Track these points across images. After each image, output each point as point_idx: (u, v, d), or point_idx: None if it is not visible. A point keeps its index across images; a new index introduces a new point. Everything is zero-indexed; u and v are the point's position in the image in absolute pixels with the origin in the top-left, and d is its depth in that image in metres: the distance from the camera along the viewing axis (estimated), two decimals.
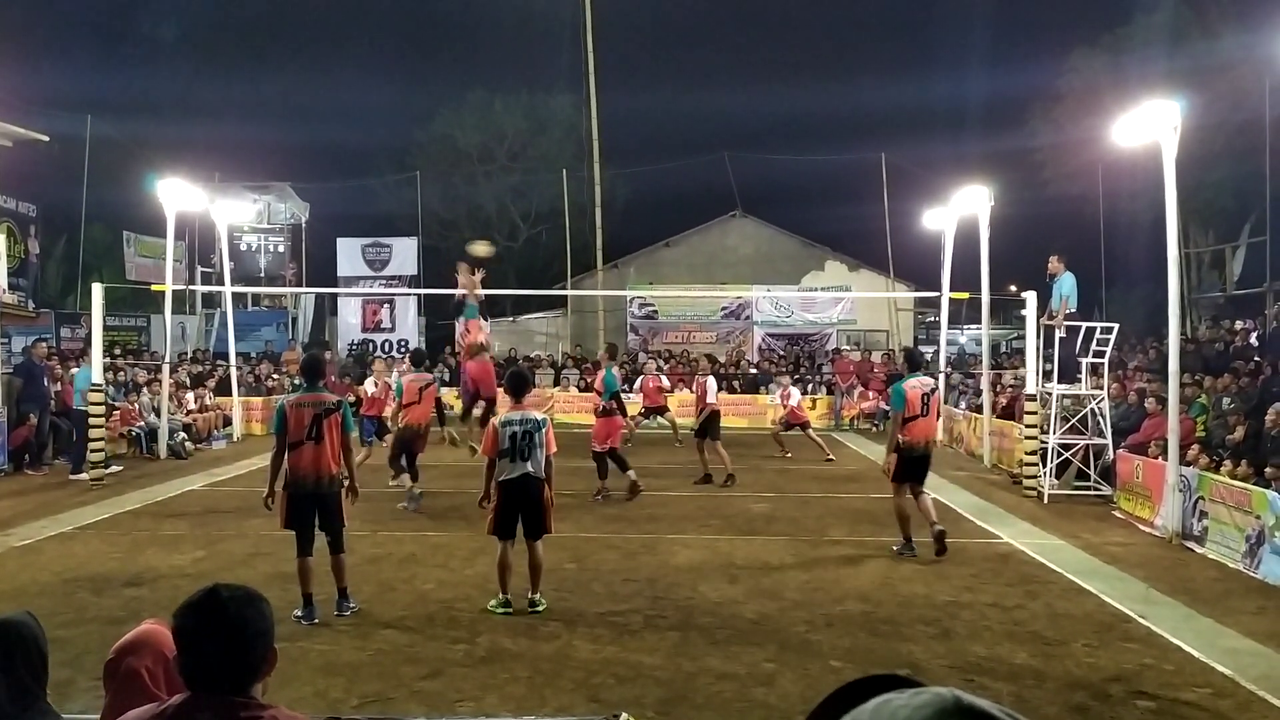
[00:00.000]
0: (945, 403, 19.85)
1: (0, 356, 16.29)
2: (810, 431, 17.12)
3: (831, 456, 16.33)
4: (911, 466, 9.43)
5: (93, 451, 13.57)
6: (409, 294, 27.32)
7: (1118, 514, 11.66)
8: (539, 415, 7.37)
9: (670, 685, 5.83)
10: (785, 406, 17.06)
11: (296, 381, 23.14)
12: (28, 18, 29.88)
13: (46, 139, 17.47)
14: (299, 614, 6.94)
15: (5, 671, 2.44)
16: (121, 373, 18.06)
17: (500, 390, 10.11)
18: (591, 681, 5.87)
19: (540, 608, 7.23)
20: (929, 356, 26.32)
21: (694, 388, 15.30)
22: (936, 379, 20.36)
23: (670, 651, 6.43)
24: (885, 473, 9.59)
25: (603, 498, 12.00)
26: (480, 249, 14.66)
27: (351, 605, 7.23)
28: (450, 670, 6.04)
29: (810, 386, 24.00)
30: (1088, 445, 13.00)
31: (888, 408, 21.27)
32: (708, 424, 13.88)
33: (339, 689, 5.72)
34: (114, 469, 14.22)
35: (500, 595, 7.23)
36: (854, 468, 15.80)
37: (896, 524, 9.50)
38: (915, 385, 9.44)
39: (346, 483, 7.29)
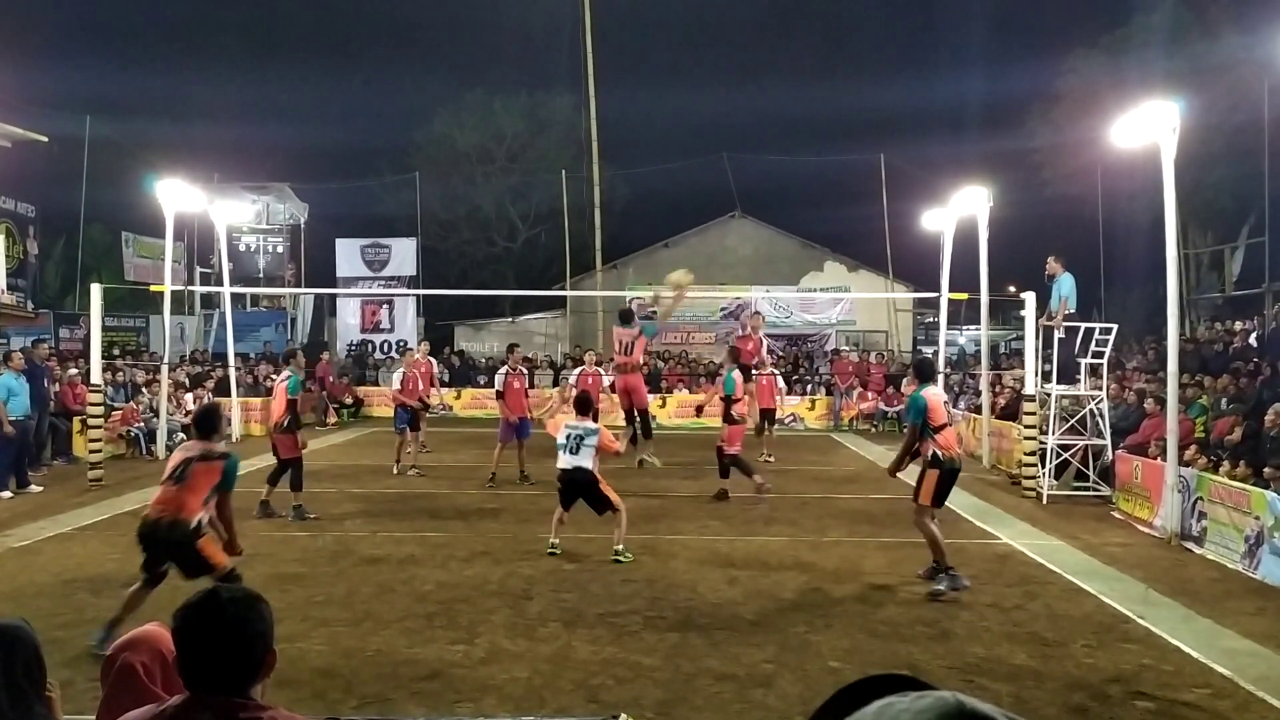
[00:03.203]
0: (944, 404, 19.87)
1: None
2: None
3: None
4: (950, 482, 8.31)
5: (92, 453, 13.58)
6: (408, 294, 27.35)
7: (1117, 515, 11.66)
8: (595, 426, 9.07)
9: (669, 686, 5.83)
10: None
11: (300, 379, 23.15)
12: (27, 18, 29.87)
13: (45, 139, 17.49)
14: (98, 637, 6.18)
15: (4, 674, 2.44)
16: (120, 373, 18.07)
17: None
18: (590, 682, 5.87)
19: (624, 559, 8.79)
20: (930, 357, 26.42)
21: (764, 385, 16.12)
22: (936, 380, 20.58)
23: (669, 652, 6.43)
24: (918, 497, 8.30)
25: (719, 497, 12.19)
26: (682, 276, 15.17)
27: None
28: (449, 671, 6.04)
29: (810, 387, 24.04)
30: (1087, 446, 13.01)
31: (887, 409, 21.74)
32: (764, 418, 16.05)
33: (338, 690, 5.71)
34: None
35: (552, 539, 9.08)
36: (852, 469, 15.81)
37: (932, 553, 8.26)
38: (935, 393, 8.65)
39: (203, 535, 6.26)
